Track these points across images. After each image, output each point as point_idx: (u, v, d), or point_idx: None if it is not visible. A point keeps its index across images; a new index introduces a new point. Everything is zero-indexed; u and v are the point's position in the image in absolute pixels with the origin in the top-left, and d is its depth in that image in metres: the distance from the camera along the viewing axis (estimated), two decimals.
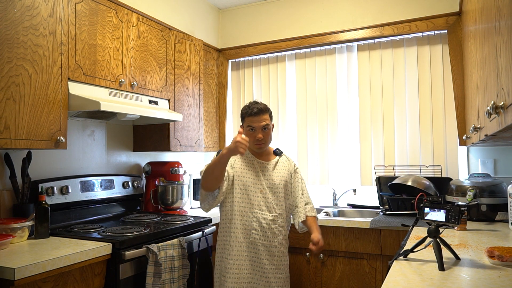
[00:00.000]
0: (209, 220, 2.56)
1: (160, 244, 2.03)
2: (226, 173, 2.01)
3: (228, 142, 3.45)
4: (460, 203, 2.13)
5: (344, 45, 3.21)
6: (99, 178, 2.50)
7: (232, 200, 2.03)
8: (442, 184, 2.69)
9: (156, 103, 2.60)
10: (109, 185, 2.55)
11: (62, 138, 1.95)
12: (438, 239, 1.47)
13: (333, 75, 3.25)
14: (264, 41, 3.42)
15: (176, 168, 2.86)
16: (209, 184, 1.95)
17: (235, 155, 1.99)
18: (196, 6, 3.31)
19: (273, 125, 2.13)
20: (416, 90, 2.97)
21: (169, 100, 2.74)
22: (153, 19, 2.66)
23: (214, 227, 2.54)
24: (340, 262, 2.58)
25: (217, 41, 3.61)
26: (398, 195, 2.73)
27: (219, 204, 2.08)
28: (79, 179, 2.36)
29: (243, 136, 1.86)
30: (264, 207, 2.03)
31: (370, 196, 3.12)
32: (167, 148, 2.74)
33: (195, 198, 3.19)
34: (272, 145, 2.21)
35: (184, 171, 2.98)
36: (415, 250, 1.55)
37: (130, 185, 2.71)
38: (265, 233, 2.01)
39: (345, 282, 2.56)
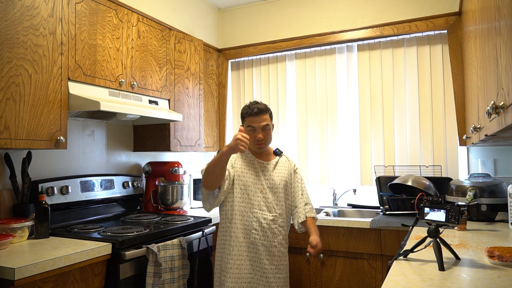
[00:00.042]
0: (209, 220, 2.56)
1: (160, 244, 2.03)
2: (227, 172, 2.01)
3: (228, 142, 3.45)
4: (460, 203, 2.12)
5: (344, 45, 3.21)
6: (99, 178, 2.50)
7: (232, 200, 2.03)
8: (442, 184, 2.69)
9: (156, 103, 2.60)
10: (109, 185, 2.55)
11: (62, 138, 1.95)
12: (438, 239, 1.47)
13: (333, 75, 3.25)
14: (264, 41, 3.42)
15: (176, 168, 2.86)
16: (210, 182, 1.95)
17: (235, 153, 1.99)
18: (196, 6, 3.31)
19: (273, 125, 2.13)
20: (416, 90, 2.97)
21: (169, 100, 2.74)
22: (153, 19, 2.66)
23: (214, 227, 2.54)
24: (340, 262, 2.58)
25: (217, 41, 3.61)
26: (398, 195, 2.73)
27: (219, 204, 2.08)
28: (79, 179, 2.36)
29: (243, 134, 1.86)
30: (264, 207, 2.03)
31: (370, 196, 3.12)
32: (167, 148, 2.74)
33: (195, 198, 3.19)
34: (272, 145, 2.21)
35: (184, 171, 2.98)
36: (415, 250, 1.55)
37: (130, 185, 2.71)
38: (265, 233, 2.01)
39: (345, 282, 2.56)
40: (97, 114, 2.34)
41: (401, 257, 1.56)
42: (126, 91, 2.39)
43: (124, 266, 1.88)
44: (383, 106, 3.07)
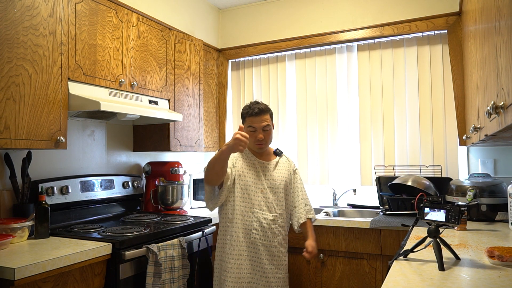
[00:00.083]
0: (209, 220, 2.56)
1: (160, 244, 2.03)
2: (229, 171, 2.01)
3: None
4: (460, 203, 2.12)
5: (344, 45, 3.21)
6: (99, 178, 2.50)
7: (233, 199, 2.03)
8: (442, 184, 2.69)
9: (156, 103, 2.60)
10: (109, 185, 2.55)
11: (62, 138, 1.95)
12: (438, 239, 1.47)
13: (333, 75, 3.25)
14: (264, 41, 3.42)
15: (176, 168, 2.86)
16: (211, 178, 1.96)
17: (234, 153, 1.98)
18: (196, 6, 3.31)
19: (273, 125, 2.13)
20: (416, 90, 2.97)
21: (169, 100, 2.74)
22: (153, 19, 2.66)
23: (214, 227, 2.54)
24: (340, 262, 2.58)
25: (217, 41, 3.61)
26: (398, 195, 2.73)
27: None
28: (79, 179, 2.36)
29: (243, 133, 1.82)
30: (264, 207, 2.03)
31: (370, 196, 3.12)
32: (167, 148, 2.74)
33: (195, 198, 3.19)
34: (272, 145, 2.21)
35: (184, 171, 2.97)
36: (415, 250, 1.55)
37: (130, 185, 2.71)
38: (265, 233, 2.01)
39: (345, 282, 2.56)
40: (97, 114, 2.34)
41: (401, 257, 1.56)
42: (126, 91, 2.39)
43: (124, 266, 1.88)
44: (383, 106, 3.07)
